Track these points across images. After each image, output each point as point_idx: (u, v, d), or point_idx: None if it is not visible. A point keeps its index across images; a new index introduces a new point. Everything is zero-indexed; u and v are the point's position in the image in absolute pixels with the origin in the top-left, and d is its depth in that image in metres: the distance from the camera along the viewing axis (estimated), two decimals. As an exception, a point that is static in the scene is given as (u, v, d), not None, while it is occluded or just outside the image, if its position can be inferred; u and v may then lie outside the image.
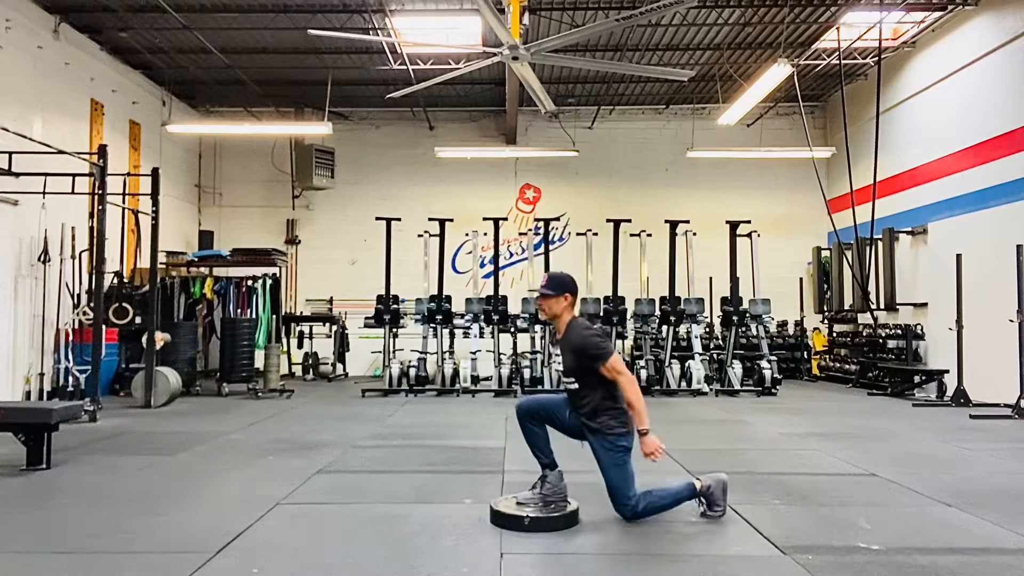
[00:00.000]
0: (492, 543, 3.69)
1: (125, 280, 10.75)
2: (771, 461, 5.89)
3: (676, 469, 5.45)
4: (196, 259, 12.19)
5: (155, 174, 9.59)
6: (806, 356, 14.05)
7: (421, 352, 11.15)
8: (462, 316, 11.37)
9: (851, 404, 10.01)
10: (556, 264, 12.63)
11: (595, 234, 12.02)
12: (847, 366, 13.00)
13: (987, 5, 10.31)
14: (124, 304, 9.86)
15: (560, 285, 4.29)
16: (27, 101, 9.79)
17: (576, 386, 4.23)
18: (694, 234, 12.03)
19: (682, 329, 11.42)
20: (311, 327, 13.94)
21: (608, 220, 11.93)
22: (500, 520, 3.97)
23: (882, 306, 12.22)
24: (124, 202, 10.43)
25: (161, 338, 9.57)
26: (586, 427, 4.13)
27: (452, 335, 11.66)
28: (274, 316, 11.40)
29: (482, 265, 13.43)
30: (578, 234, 13.52)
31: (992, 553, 3.60)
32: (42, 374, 9.62)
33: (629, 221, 11.93)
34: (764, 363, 10.99)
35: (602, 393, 4.10)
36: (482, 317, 11.34)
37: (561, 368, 4.37)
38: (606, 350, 4.09)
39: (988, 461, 5.91)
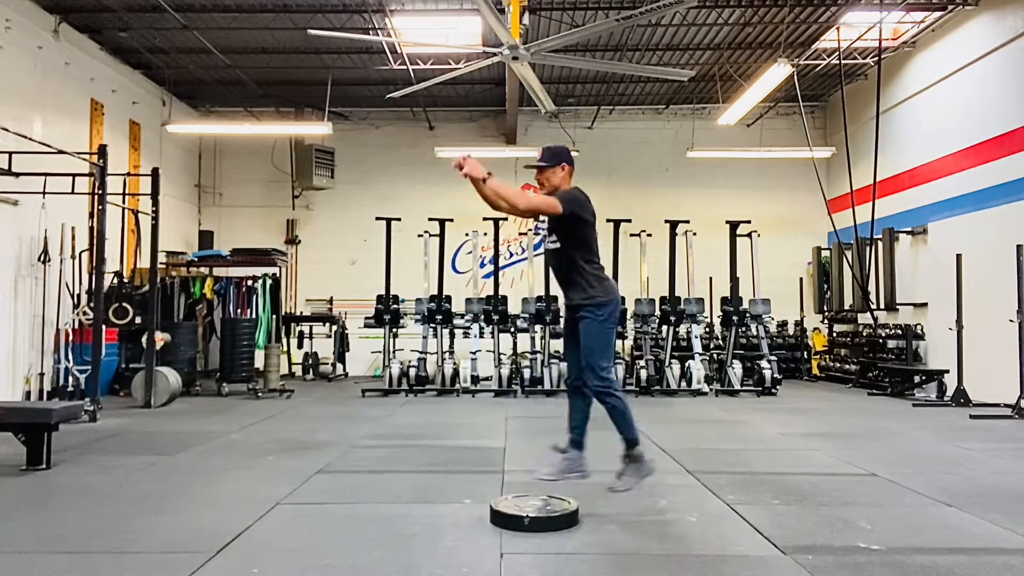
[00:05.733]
0: (492, 543, 3.69)
1: (125, 280, 10.74)
2: (771, 461, 5.89)
3: (675, 468, 5.46)
4: (196, 259, 12.17)
5: (155, 174, 9.59)
6: (806, 356, 14.04)
7: (421, 352, 11.15)
8: (462, 316, 11.37)
9: (851, 404, 10.01)
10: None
11: (595, 234, 12.00)
12: (847, 366, 12.98)
13: (987, 5, 10.31)
14: (124, 304, 9.85)
15: (555, 155, 4.34)
16: (27, 101, 9.79)
17: (557, 244, 4.30)
18: (694, 234, 12.02)
19: (682, 329, 11.41)
20: (311, 327, 13.93)
21: (608, 220, 11.88)
22: (500, 520, 3.96)
23: (882, 306, 12.22)
24: (124, 202, 10.43)
25: (161, 338, 9.56)
26: (574, 313, 4.25)
27: (452, 335, 11.65)
28: (274, 316, 11.38)
29: (482, 265, 13.42)
30: (578, 234, 13.50)
31: (992, 553, 3.59)
32: (42, 374, 9.62)
33: (629, 221, 11.91)
34: (764, 363, 10.98)
35: (577, 253, 4.22)
36: (482, 317, 11.33)
37: (546, 228, 4.44)
38: (563, 198, 4.16)
39: (988, 461, 5.90)
